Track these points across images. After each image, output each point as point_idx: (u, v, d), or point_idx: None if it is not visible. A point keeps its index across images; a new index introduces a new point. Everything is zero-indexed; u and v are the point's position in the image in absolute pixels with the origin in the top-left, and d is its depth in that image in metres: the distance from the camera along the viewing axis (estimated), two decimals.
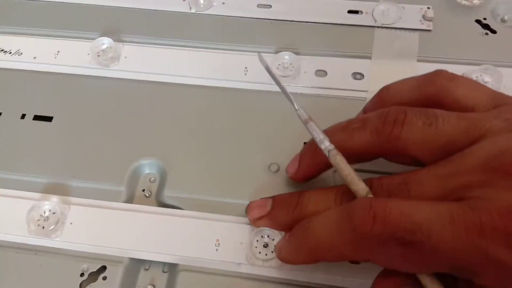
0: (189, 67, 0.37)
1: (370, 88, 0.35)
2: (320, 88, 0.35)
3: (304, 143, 0.31)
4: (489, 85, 0.34)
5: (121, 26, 0.39)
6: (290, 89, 0.35)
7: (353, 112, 0.34)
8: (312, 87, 0.36)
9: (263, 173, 0.32)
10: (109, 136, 0.34)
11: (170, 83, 0.36)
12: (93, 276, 0.29)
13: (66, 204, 0.31)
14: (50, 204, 0.31)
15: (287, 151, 0.32)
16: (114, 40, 0.37)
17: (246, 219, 0.30)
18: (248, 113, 0.35)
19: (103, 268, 0.29)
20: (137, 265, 0.30)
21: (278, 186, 0.31)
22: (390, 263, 0.22)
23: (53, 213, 0.30)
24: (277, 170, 0.32)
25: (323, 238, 0.24)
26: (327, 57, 0.37)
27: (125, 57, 0.37)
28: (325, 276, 0.28)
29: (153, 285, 0.29)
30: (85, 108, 0.36)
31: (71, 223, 0.30)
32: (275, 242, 0.28)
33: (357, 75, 0.36)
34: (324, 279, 0.28)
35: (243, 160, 0.33)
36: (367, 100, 0.34)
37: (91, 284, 0.29)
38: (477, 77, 0.34)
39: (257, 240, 0.29)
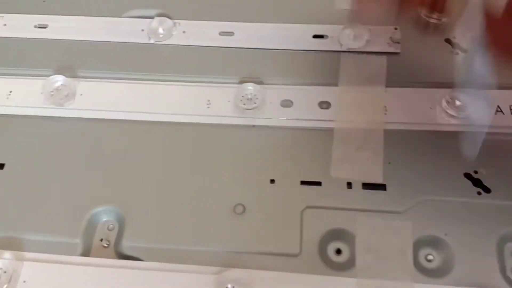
0: (149, 102, 0.35)
1: (337, 117, 0.33)
2: (286, 119, 0.34)
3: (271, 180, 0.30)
4: (461, 107, 0.33)
5: (76, 61, 0.37)
6: (255, 121, 0.34)
7: (320, 143, 0.32)
8: (278, 118, 0.34)
9: (229, 216, 0.30)
10: (64, 183, 0.32)
11: (129, 121, 0.35)
12: None
13: (19, 260, 0.29)
14: (1, 261, 0.29)
15: (253, 190, 0.31)
16: (69, 76, 0.36)
17: (208, 268, 0.28)
18: (211, 150, 0.33)
19: None
20: None
21: (243, 230, 0.30)
22: None
23: (4, 271, 0.28)
24: (243, 212, 0.31)
25: None
26: (293, 85, 0.35)
27: (81, 94, 0.35)
28: None
29: None
30: (38, 152, 0.34)
31: (24, 281, 0.29)
32: None
33: (324, 104, 0.34)
34: None
35: (206, 203, 0.31)
36: (335, 131, 0.33)
37: None
38: (448, 101, 0.33)
39: None
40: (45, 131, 0.34)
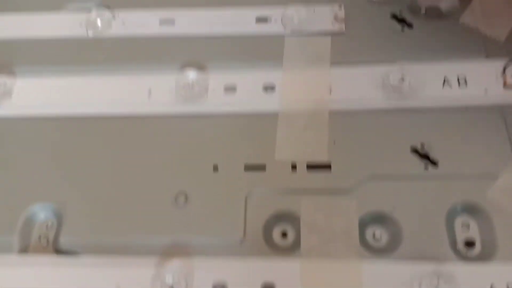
0: (88, 95, 0.34)
1: (282, 100, 0.33)
2: (229, 105, 0.33)
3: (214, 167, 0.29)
4: (406, 83, 0.32)
5: (12, 57, 0.36)
6: (197, 109, 0.33)
7: (265, 127, 0.32)
8: (221, 105, 0.33)
9: (170, 206, 0.29)
10: None
11: (66, 116, 0.33)
12: None
13: None
14: None
15: (196, 179, 0.30)
16: (6, 73, 0.35)
17: (148, 260, 0.27)
18: (152, 141, 0.32)
19: None
20: None
21: (186, 218, 0.29)
22: None
23: None
24: (185, 200, 0.30)
25: None
26: (236, 70, 0.34)
27: (18, 92, 0.34)
28: None
29: None
30: None
31: None
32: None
33: (268, 88, 0.33)
34: None
35: (147, 194, 0.30)
36: (279, 114, 0.32)
37: None
38: (392, 78, 0.32)
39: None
40: None
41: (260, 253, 0.28)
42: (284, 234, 0.29)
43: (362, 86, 0.33)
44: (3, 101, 0.34)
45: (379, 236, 0.28)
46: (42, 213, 0.30)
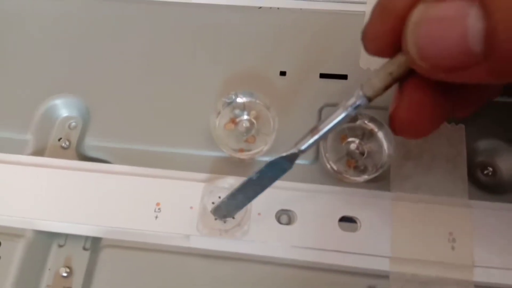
0: None
1: None
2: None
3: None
4: None
5: None
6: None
7: (349, 30, 0.25)
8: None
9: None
10: (13, 69, 0.25)
11: None
12: None
13: None
14: None
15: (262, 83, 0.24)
16: None
17: (197, 175, 0.21)
18: (203, 31, 0.26)
19: None
20: (47, 240, 0.22)
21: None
22: None
23: None
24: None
25: None
26: None
27: None
28: (310, 249, 0.20)
29: (69, 267, 0.21)
30: None
31: None
32: None
33: None
34: (307, 253, 0.20)
35: (191, 98, 0.24)
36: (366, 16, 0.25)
37: None
38: None
39: (213, 203, 0.21)
40: None
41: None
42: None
43: None
44: None
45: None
46: (65, 111, 0.24)
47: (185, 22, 0.26)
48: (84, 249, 0.22)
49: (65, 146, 0.23)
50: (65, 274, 0.21)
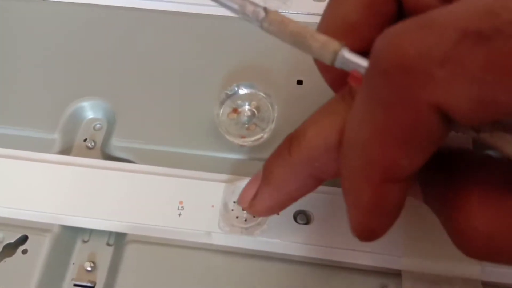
0: None
1: None
2: (317, 15, 0.28)
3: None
4: None
5: None
6: None
7: None
8: (308, 14, 0.28)
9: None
10: (42, 72, 0.26)
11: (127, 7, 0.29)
12: (10, 248, 0.21)
13: None
14: None
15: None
16: None
17: (218, 176, 0.23)
18: (220, 40, 0.27)
19: (24, 238, 0.22)
20: (72, 235, 0.23)
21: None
22: None
23: None
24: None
25: None
26: None
27: None
28: (326, 248, 0.21)
29: (93, 262, 0.22)
30: (15, 38, 0.28)
31: None
32: None
33: None
34: (323, 251, 0.21)
35: (213, 101, 0.25)
36: None
37: (6, 259, 0.21)
38: None
39: (234, 202, 0.22)
40: (23, 15, 0.29)
41: None
42: None
43: None
44: None
45: None
46: (91, 112, 0.25)
47: (207, 31, 0.27)
48: (108, 244, 0.22)
49: (90, 146, 0.24)
50: (89, 269, 0.22)
